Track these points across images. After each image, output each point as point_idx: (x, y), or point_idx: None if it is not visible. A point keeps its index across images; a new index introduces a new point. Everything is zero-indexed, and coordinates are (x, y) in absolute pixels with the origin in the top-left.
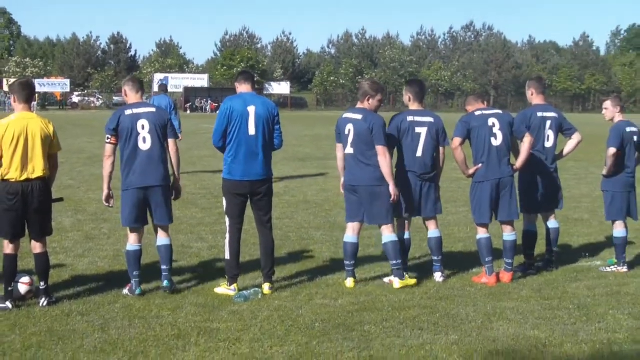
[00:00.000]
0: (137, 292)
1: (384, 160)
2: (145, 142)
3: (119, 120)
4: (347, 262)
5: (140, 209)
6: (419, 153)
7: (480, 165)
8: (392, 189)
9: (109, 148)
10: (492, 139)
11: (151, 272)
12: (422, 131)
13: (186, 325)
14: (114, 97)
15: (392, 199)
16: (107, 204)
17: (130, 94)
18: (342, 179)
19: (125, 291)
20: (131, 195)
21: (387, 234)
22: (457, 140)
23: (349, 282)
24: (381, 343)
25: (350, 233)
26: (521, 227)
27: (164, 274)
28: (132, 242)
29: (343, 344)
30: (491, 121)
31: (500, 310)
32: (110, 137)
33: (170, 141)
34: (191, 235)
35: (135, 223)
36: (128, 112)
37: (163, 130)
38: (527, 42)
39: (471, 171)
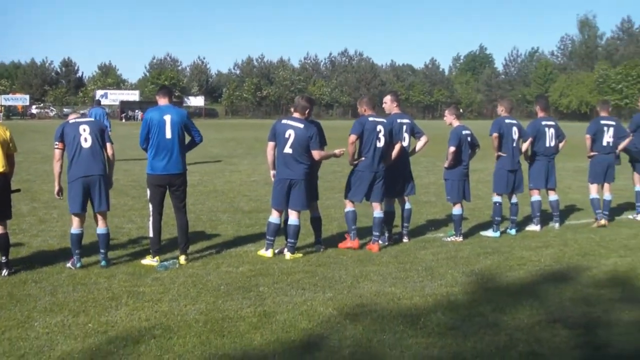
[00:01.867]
0: (78, 265)
1: (316, 159)
2: (86, 141)
3: (63, 129)
4: (269, 237)
5: (83, 197)
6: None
7: (363, 158)
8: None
9: (57, 153)
10: (377, 142)
11: (92, 248)
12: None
13: (118, 290)
14: (64, 109)
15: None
16: (58, 197)
17: (72, 115)
18: (272, 171)
19: (69, 265)
20: (76, 185)
21: (294, 218)
22: (352, 137)
23: (269, 253)
24: (272, 300)
25: (275, 216)
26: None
27: (101, 255)
28: (75, 226)
29: (242, 302)
30: (378, 127)
31: (365, 273)
32: (57, 143)
33: (107, 145)
34: (123, 218)
35: (79, 209)
36: (71, 121)
37: (101, 135)
38: (390, 65)
39: (356, 162)
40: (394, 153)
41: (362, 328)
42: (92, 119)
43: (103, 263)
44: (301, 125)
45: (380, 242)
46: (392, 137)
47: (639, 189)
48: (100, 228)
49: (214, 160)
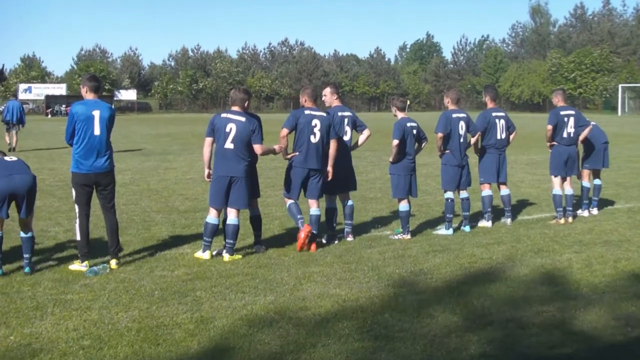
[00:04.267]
0: None
1: (261, 153)
2: None
3: None
4: (206, 239)
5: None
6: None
7: (297, 153)
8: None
9: None
10: (312, 136)
11: (14, 254)
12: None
13: (44, 298)
14: None
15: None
16: None
17: None
18: (207, 170)
19: None
20: None
21: (233, 217)
22: (283, 131)
23: (206, 255)
24: (210, 305)
25: (213, 215)
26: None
27: (25, 261)
28: None
29: (178, 308)
30: (314, 121)
31: (309, 274)
32: None
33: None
34: (49, 221)
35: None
36: None
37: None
38: (333, 55)
39: (289, 156)
40: (331, 151)
41: (306, 332)
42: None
43: (27, 270)
44: (243, 119)
45: (323, 240)
46: (330, 132)
47: (586, 185)
48: (23, 232)
49: (147, 158)
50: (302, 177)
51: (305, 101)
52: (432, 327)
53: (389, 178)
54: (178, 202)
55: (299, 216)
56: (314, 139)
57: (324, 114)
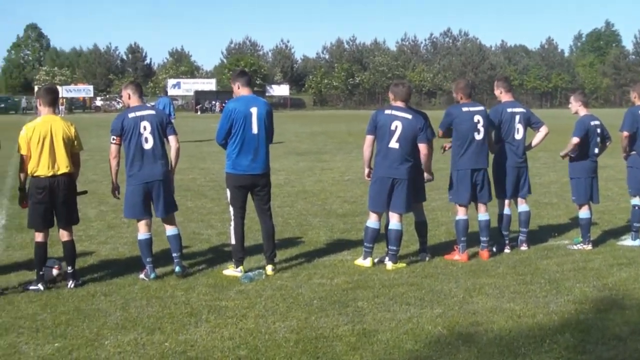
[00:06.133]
0: (152, 276)
1: (427, 156)
2: (147, 142)
3: (122, 122)
4: (367, 245)
5: (144, 202)
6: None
7: (463, 153)
8: (429, 176)
9: (114, 148)
10: (476, 134)
11: (166, 257)
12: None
13: (198, 304)
14: None
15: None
16: (115, 196)
17: (133, 97)
18: (367, 169)
19: (142, 276)
20: (136, 190)
21: (396, 222)
22: (439, 132)
23: (368, 262)
24: (373, 317)
25: (374, 220)
26: (496, 211)
27: (175, 260)
28: (142, 231)
29: (339, 319)
30: (476, 117)
31: (479, 286)
32: (115, 138)
33: (171, 137)
34: (202, 223)
35: (140, 215)
36: (131, 114)
37: (162, 129)
38: (500, 46)
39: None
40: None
41: (477, 350)
42: (153, 111)
43: (177, 269)
44: (409, 116)
45: (493, 249)
46: (490, 128)
47: None
48: (170, 229)
49: (302, 157)
50: (471, 179)
51: (461, 97)
52: (619, 350)
53: (565, 182)
54: (336, 205)
55: (463, 238)
56: (478, 136)
57: (483, 108)
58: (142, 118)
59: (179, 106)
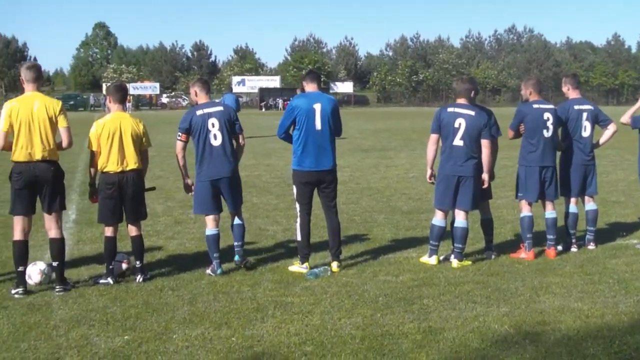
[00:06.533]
0: (219, 272)
1: (489, 153)
2: (216, 138)
3: (191, 120)
4: (432, 242)
5: (213, 199)
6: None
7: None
8: (485, 176)
9: (179, 145)
10: (545, 131)
11: (232, 253)
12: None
13: (264, 300)
14: None
15: (484, 186)
16: (188, 192)
17: (200, 94)
18: (429, 170)
19: (208, 271)
20: (205, 187)
21: (462, 220)
22: (510, 133)
23: (433, 260)
24: (439, 315)
25: (439, 217)
26: (563, 209)
27: (236, 249)
28: (210, 226)
29: (404, 316)
30: (546, 115)
31: (546, 285)
32: (181, 134)
33: (238, 135)
34: (267, 219)
35: (209, 211)
36: (199, 112)
37: (231, 126)
38: (565, 42)
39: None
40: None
41: (545, 350)
42: (221, 108)
43: (237, 258)
44: (472, 112)
45: (559, 247)
46: (557, 125)
47: None
48: (236, 220)
49: (366, 154)
50: (539, 176)
51: (530, 94)
52: None
53: (635, 180)
54: (401, 202)
55: (529, 235)
56: (547, 134)
57: (553, 106)
58: (210, 115)
59: (244, 103)
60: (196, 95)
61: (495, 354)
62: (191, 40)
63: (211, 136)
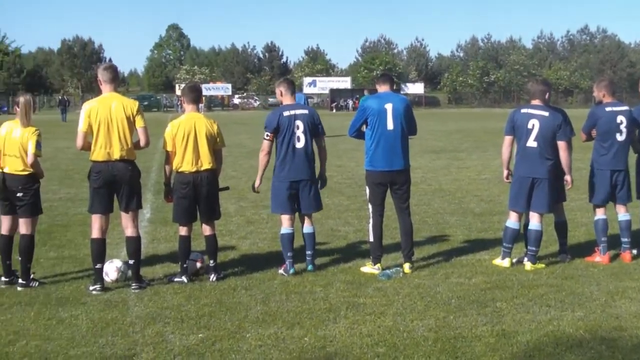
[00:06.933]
0: (291, 272)
1: (566, 154)
2: (299, 140)
3: (278, 120)
4: (506, 244)
5: (290, 199)
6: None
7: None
8: (568, 178)
9: (267, 144)
10: (618, 135)
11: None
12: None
13: (336, 300)
14: (269, 99)
15: (568, 187)
16: (257, 191)
17: (286, 95)
18: (505, 171)
19: (281, 271)
20: (284, 187)
21: (536, 222)
22: (582, 136)
23: (506, 262)
24: (512, 318)
25: (514, 219)
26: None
27: (307, 258)
28: (285, 226)
29: (477, 319)
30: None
31: (622, 289)
32: (269, 134)
33: (320, 137)
34: (339, 220)
35: (286, 211)
36: (286, 113)
37: (314, 130)
38: None
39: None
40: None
41: (622, 356)
42: (307, 111)
43: (309, 267)
44: (546, 113)
45: (634, 251)
46: (633, 127)
47: None
48: (307, 227)
49: (437, 155)
50: (610, 179)
51: (604, 96)
52: None
53: None
54: (473, 204)
55: (603, 238)
56: (620, 137)
57: (627, 108)
58: (296, 117)
59: (314, 104)
60: (281, 95)
61: (570, 358)
62: (263, 42)
63: (295, 138)
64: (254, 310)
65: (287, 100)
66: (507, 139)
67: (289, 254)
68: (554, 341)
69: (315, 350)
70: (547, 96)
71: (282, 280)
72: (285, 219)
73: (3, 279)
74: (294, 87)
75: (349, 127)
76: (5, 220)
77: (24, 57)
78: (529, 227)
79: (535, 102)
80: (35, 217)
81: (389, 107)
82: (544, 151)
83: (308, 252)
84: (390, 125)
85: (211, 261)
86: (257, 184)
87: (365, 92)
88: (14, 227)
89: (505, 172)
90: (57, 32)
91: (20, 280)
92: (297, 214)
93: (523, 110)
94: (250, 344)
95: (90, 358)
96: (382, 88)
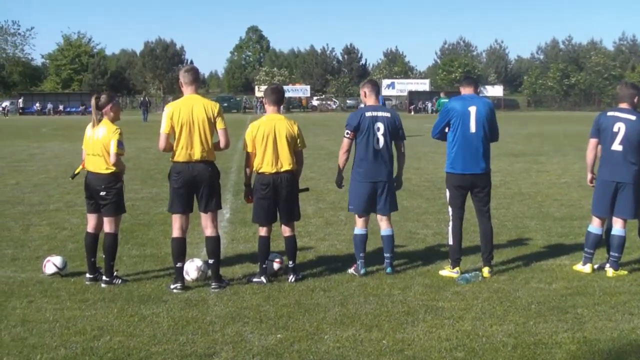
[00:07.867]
0: (362, 272)
1: None
2: (379, 142)
3: (360, 119)
4: (587, 250)
5: (368, 200)
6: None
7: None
8: None
9: (347, 142)
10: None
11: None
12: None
13: (414, 303)
14: (348, 101)
15: None
16: (340, 188)
17: (370, 96)
18: (589, 175)
19: (351, 270)
20: (362, 187)
21: (619, 228)
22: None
23: (587, 268)
24: (594, 326)
25: (597, 225)
26: None
27: (386, 261)
28: (359, 226)
29: (557, 325)
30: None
31: None
32: (349, 132)
33: (400, 142)
34: (417, 222)
35: (362, 211)
36: (368, 113)
37: (394, 133)
38: None
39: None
40: None
41: None
42: (389, 114)
43: (388, 270)
44: (633, 117)
45: None
46: None
47: None
48: (385, 229)
49: (516, 159)
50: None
51: None
52: None
53: None
54: (553, 208)
55: None
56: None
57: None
58: (377, 119)
59: (393, 106)
60: (365, 96)
61: None
62: (342, 44)
63: (375, 139)
64: (332, 312)
65: (370, 101)
66: (592, 141)
67: (360, 254)
68: (637, 350)
69: (393, 353)
70: (635, 100)
71: (361, 282)
72: (359, 219)
73: (88, 275)
74: (379, 89)
75: (432, 129)
76: (91, 219)
77: (107, 58)
78: (612, 233)
79: (623, 105)
80: (119, 215)
81: (472, 109)
82: (629, 155)
83: (386, 255)
84: (472, 128)
85: (290, 262)
86: (337, 180)
87: (442, 95)
88: (99, 225)
89: (590, 176)
90: (140, 34)
91: (104, 278)
92: (372, 216)
93: (609, 113)
94: (328, 345)
95: (171, 355)
96: (466, 90)
